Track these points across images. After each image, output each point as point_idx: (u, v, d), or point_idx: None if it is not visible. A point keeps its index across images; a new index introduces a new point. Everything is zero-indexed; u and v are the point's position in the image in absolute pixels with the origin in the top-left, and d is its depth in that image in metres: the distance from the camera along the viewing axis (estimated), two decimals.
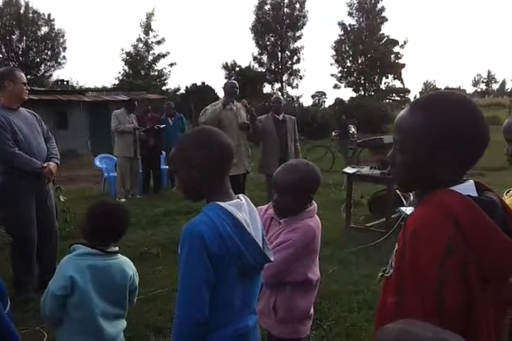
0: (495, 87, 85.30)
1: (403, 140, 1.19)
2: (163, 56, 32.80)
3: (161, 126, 8.89)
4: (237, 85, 6.04)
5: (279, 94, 33.58)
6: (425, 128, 1.14)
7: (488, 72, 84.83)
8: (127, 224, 2.12)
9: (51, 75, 36.53)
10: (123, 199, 8.21)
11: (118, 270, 2.08)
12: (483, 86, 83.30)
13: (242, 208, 1.50)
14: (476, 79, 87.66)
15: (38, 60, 35.76)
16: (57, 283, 1.96)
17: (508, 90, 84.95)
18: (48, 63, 36.12)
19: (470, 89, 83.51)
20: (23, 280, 3.76)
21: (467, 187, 1.16)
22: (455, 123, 1.12)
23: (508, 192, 1.81)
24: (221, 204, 1.44)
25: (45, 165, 3.70)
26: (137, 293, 2.28)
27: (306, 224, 2.02)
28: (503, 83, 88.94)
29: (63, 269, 1.99)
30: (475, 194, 1.15)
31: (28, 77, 32.08)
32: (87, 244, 2.06)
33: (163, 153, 9.29)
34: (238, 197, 1.54)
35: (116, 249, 2.12)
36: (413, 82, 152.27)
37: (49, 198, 3.86)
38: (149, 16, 32.02)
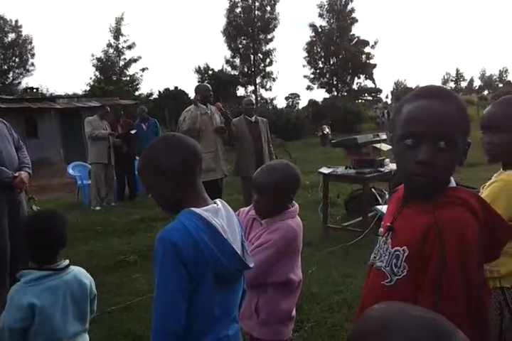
0: (463, 84, 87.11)
1: (449, 130, 1.15)
2: (135, 61, 32.48)
3: (133, 131, 8.80)
4: (210, 88, 6.03)
5: (253, 96, 33.62)
6: (464, 117, 1.19)
7: (457, 71, 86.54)
8: (65, 230, 2.00)
9: (20, 83, 35.96)
10: (98, 207, 8.09)
11: (75, 283, 2.01)
12: (452, 84, 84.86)
13: (219, 214, 1.45)
14: (445, 77, 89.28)
15: (6, 67, 35.12)
16: (14, 315, 1.84)
17: (476, 88, 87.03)
18: (16, 70, 35.53)
19: None
20: None
21: (453, 181, 1.22)
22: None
23: (483, 187, 1.83)
24: (195, 210, 1.39)
25: (16, 174, 3.60)
26: (98, 301, 2.19)
27: (287, 224, 2.02)
28: (471, 81, 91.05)
29: (17, 300, 1.86)
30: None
31: None
32: (35, 266, 1.96)
33: (138, 159, 9.18)
34: (215, 202, 1.50)
35: (67, 261, 2.02)
36: (384, 81, 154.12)
37: (21, 208, 3.76)
38: (119, 21, 31.67)
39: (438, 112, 1.13)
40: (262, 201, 2.02)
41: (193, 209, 1.40)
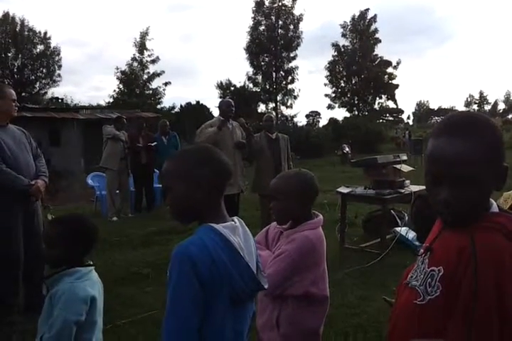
0: (487, 108, 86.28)
1: (468, 171, 1.09)
2: (158, 75, 33.00)
3: (153, 143, 8.87)
4: (233, 104, 6.03)
5: (273, 113, 33.77)
6: (489, 150, 1.11)
7: (480, 93, 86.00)
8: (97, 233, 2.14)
9: (46, 93, 36.72)
10: (114, 218, 8.11)
11: (99, 281, 2.11)
12: (475, 107, 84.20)
13: (236, 231, 1.42)
14: (469, 100, 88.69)
15: (33, 77, 35.92)
16: (80, 309, 1.90)
17: (500, 111, 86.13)
18: (43, 81, 36.28)
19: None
20: (8, 301, 3.64)
21: (495, 207, 1.18)
22: (500, 137, 1.17)
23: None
24: (215, 226, 1.36)
25: (32, 182, 3.62)
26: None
27: (304, 235, 2.01)
28: (495, 104, 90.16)
29: (80, 294, 1.92)
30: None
31: (23, 94, 32.25)
32: (64, 267, 2.01)
33: (157, 171, 9.23)
34: (232, 220, 1.47)
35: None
36: (406, 102, 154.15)
37: (36, 217, 3.77)
38: (143, 35, 32.31)
39: (457, 153, 1.09)
40: (275, 206, 2.05)
41: (213, 225, 1.37)
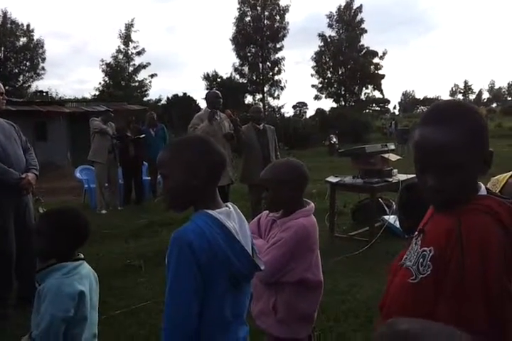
0: (472, 97, 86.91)
1: (454, 159, 1.14)
2: (144, 67, 32.79)
3: (141, 136, 8.83)
4: (220, 95, 6.02)
5: (261, 104, 33.71)
6: (474, 136, 1.15)
7: (465, 83, 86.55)
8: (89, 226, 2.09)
9: (30, 86, 36.25)
10: (103, 211, 8.09)
11: (92, 273, 2.07)
12: (460, 96, 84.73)
13: (231, 216, 1.47)
14: (454, 89, 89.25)
15: (17, 70, 35.45)
16: (67, 305, 1.84)
17: (485, 100, 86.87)
18: (27, 74, 35.80)
19: None
20: (1, 295, 3.64)
21: (483, 190, 1.22)
22: (484, 124, 1.20)
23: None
24: (210, 212, 1.41)
25: (23, 176, 3.61)
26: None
27: (298, 222, 2.05)
28: (480, 93, 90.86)
29: (67, 290, 1.87)
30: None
31: (7, 88, 31.72)
32: (55, 261, 1.96)
33: (145, 163, 9.20)
34: (226, 205, 1.52)
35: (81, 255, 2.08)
36: (392, 92, 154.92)
37: (28, 210, 3.76)
38: (128, 27, 32.01)
39: (443, 142, 1.13)
40: (269, 195, 2.09)
41: (209, 211, 1.41)
